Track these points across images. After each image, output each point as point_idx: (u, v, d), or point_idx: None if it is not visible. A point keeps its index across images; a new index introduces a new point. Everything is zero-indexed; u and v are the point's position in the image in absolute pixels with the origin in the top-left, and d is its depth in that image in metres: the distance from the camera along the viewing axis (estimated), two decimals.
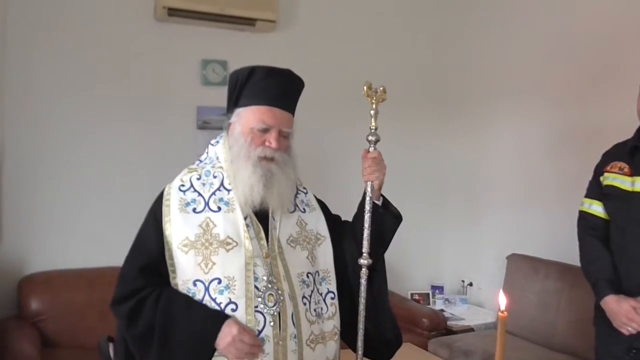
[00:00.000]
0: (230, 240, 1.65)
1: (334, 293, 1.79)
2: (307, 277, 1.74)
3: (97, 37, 3.50)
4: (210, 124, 3.73)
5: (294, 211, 1.80)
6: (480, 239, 4.25)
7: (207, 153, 1.84)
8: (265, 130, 1.70)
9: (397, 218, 1.86)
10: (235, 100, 1.76)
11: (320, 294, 1.76)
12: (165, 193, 1.73)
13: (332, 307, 1.77)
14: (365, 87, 1.75)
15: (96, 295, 3.20)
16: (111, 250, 3.40)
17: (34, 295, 3.17)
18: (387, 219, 1.83)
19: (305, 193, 1.89)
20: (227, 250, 1.64)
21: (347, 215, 1.93)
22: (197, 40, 3.73)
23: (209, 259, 1.62)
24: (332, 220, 1.89)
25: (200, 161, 1.83)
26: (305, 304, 1.70)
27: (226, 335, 1.55)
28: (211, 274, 1.62)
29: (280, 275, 1.68)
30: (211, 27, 3.73)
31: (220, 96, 3.66)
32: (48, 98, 3.40)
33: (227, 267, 1.62)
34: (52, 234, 3.40)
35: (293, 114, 1.79)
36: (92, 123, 3.49)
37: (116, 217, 3.46)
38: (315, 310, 1.73)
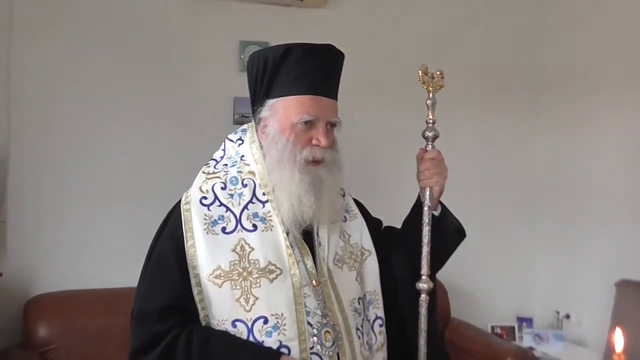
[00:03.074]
0: (273, 268, 1.60)
1: (382, 319, 1.77)
2: (359, 303, 1.72)
3: (116, 16, 3.59)
4: (250, 119, 3.70)
5: (335, 221, 1.77)
6: (580, 261, 4.15)
7: (225, 151, 1.79)
8: (311, 124, 1.66)
9: (459, 233, 1.82)
10: (266, 90, 1.72)
11: (369, 321, 1.75)
12: (182, 208, 1.68)
13: (380, 336, 1.76)
14: (420, 72, 1.73)
15: (115, 321, 3.23)
16: (133, 267, 3.40)
17: (41, 321, 3.22)
18: (448, 234, 1.79)
19: (343, 195, 1.85)
20: (271, 281, 1.59)
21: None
22: (234, 18, 3.78)
23: (250, 292, 1.58)
24: (374, 227, 1.86)
25: (217, 161, 1.78)
26: (359, 337, 1.68)
27: None
28: (254, 312, 1.57)
29: (333, 305, 1.66)
30: (251, 2, 3.77)
31: None
32: (58, 92, 3.49)
33: (273, 302, 1.58)
34: (64, 248, 3.49)
35: (337, 98, 1.75)
36: (109, 121, 3.57)
37: (139, 228, 3.47)
38: (367, 343, 1.72)
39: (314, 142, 1.66)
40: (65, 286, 3.41)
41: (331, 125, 1.70)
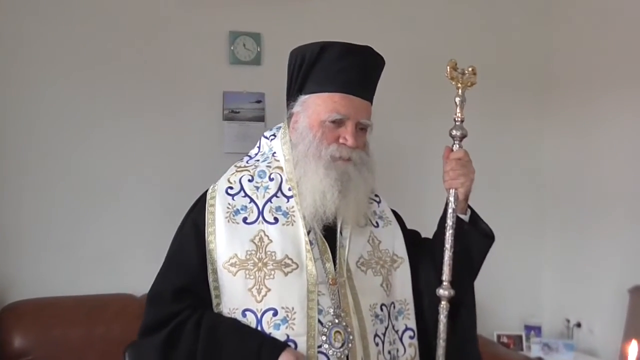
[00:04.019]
0: (289, 262, 1.69)
1: (413, 331, 1.81)
2: (381, 309, 1.77)
3: (100, 8, 3.57)
4: (240, 114, 3.75)
5: (364, 225, 1.83)
6: (592, 266, 4.15)
7: (259, 147, 1.89)
8: (340, 123, 1.73)
9: (488, 237, 1.85)
10: (299, 86, 1.79)
11: (396, 332, 1.80)
12: (208, 197, 1.77)
13: (410, 349, 1.80)
14: (448, 68, 1.75)
15: (98, 330, 3.24)
16: (117, 272, 3.46)
17: (17, 330, 3.20)
18: (474, 238, 1.83)
19: (379, 202, 1.92)
20: (286, 274, 1.68)
21: (422, 232, 1.94)
22: (223, 7, 3.76)
23: (263, 283, 1.67)
24: (409, 238, 1.91)
25: (250, 157, 1.87)
26: (377, 344, 1.73)
27: None
28: (265, 303, 1.66)
29: (349, 307, 1.71)
30: None
31: (252, 79, 3.75)
32: (39, 84, 3.47)
33: (285, 295, 1.66)
34: (43, 252, 3.46)
35: (372, 101, 1.81)
36: (93, 115, 3.55)
37: (124, 230, 3.52)
38: (389, 352, 1.76)
39: (341, 140, 1.73)
40: (43, 292, 3.38)
41: (362, 126, 1.77)
